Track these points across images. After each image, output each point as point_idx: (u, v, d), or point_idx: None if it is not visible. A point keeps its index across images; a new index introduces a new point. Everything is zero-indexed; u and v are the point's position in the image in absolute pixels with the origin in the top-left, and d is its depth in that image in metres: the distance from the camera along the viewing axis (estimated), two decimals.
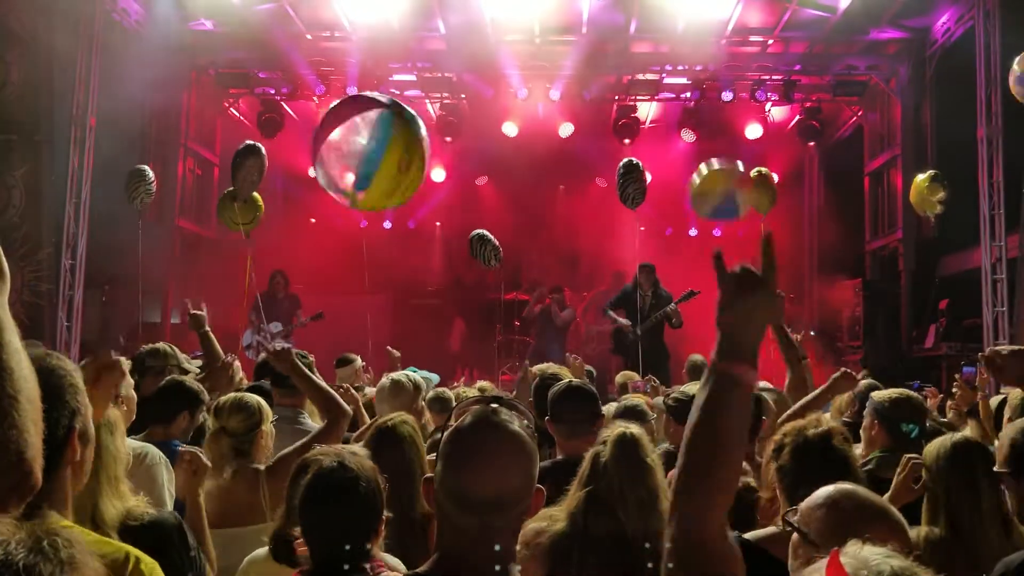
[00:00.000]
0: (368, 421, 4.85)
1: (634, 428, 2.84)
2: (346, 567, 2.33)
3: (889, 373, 11.73)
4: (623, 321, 10.93)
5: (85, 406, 1.94)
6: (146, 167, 10.71)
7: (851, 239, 14.78)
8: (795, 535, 2.04)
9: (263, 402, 3.85)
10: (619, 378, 8.06)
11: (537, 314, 13.12)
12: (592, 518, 2.65)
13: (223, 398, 3.87)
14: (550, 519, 2.70)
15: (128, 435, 4.16)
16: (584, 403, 3.95)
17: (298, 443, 3.69)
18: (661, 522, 2.67)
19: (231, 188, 10.24)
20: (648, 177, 10.64)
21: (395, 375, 5.15)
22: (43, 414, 1.74)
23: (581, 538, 2.63)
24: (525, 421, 1.87)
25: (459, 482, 1.76)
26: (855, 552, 1.42)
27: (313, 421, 4.90)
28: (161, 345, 5.70)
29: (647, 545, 2.55)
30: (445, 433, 1.86)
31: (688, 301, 10.56)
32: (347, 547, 2.38)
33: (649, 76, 13.93)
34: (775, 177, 11.66)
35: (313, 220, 16.00)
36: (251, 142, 10.17)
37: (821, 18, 12.32)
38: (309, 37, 13.05)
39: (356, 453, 2.63)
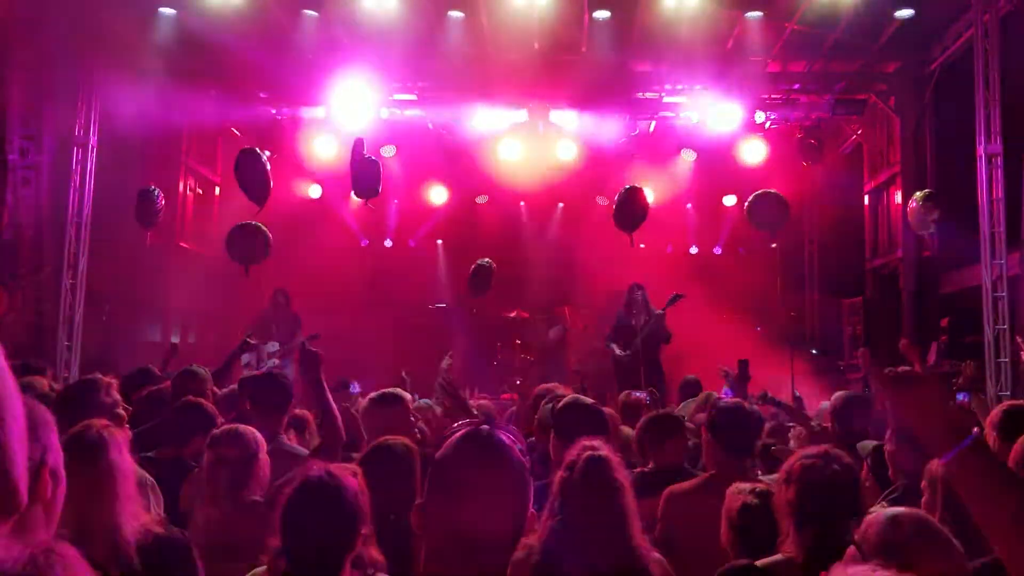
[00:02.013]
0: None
1: (603, 449, 2.81)
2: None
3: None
4: (620, 353, 10.95)
5: (55, 444, 1.91)
6: (155, 188, 10.73)
7: (851, 257, 14.78)
8: (852, 546, 2.06)
9: (256, 432, 3.76)
10: (622, 396, 8.04)
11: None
12: (563, 547, 2.61)
13: (218, 429, 3.80)
14: (528, 549, 2.66)
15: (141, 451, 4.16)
16: (589, 419, 3.86)
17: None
18: (629, 547, 2.64)
19: (244, 223, 10.23)
20: (649, 198, 10.63)
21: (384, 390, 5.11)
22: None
23: (555, 569, 2.59)
24: (518, 445, 1.82)
25: (450, 513, 1.71)
26: (840, 572, 1.44)
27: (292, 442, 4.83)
28: (197, 368, 5.74)
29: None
30: (436, 457, 1.80)
31: (674, 304, 10.61)
32: (326, 550, 2.37)
33: (649, 95, 13.98)
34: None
35: (312, 237, 16.01)
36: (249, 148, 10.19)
37: (820, 37, 12.37)
38: (310, 56, 13.10)
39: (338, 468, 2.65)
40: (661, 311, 10.65)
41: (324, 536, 2.43)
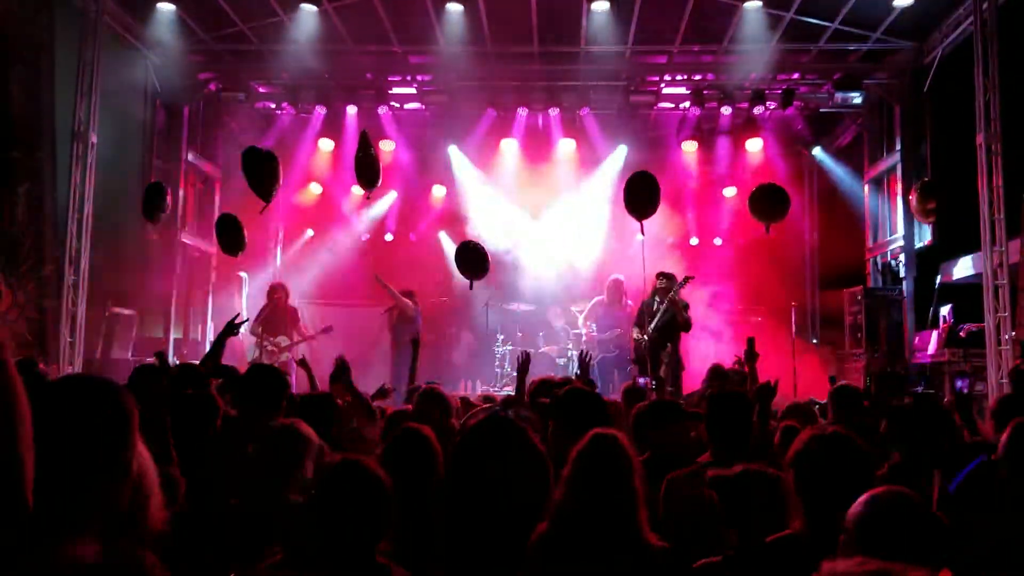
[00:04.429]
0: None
1: (612, 430, 2.82)
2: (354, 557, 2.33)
3: (891, 380, 11.72)
4: (638, 337, 10.98)
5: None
6: (162, 183, 10.73)
7: (852, 246, 14.79)
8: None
9: (312, 433, 3.62)
10: (626, 383, 8.07)
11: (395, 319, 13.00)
12: (571, 522, 2.62)
13: (278, 423, 3.68)
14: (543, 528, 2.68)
15: None
16: (591, 408, 3.88)
17: None
18: (636, 531, 2.65)
19: (226, 213, 10.26)
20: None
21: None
22: (110, 446, 1.76)
23: (562, 542, 2.60)
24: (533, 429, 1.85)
25: (468, 493, 1.75)
26: (830, 568, 1.47)
27: None
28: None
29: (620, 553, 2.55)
30: (456, 440, 1.85)
31: (684, 286, 10.69)
32: (356, 539, 2.37)
33: (648, 86, 13.99)
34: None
35: (311, 232, 16.03)
36: (262, 148, 10.20)
37: (820, 26, 12.38)
38: (309, 51, 13.09)
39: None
40: (672, 295, 10.67)
41: (360, 520, 2.41)
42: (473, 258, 10.56)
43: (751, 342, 6.37)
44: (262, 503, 3.38)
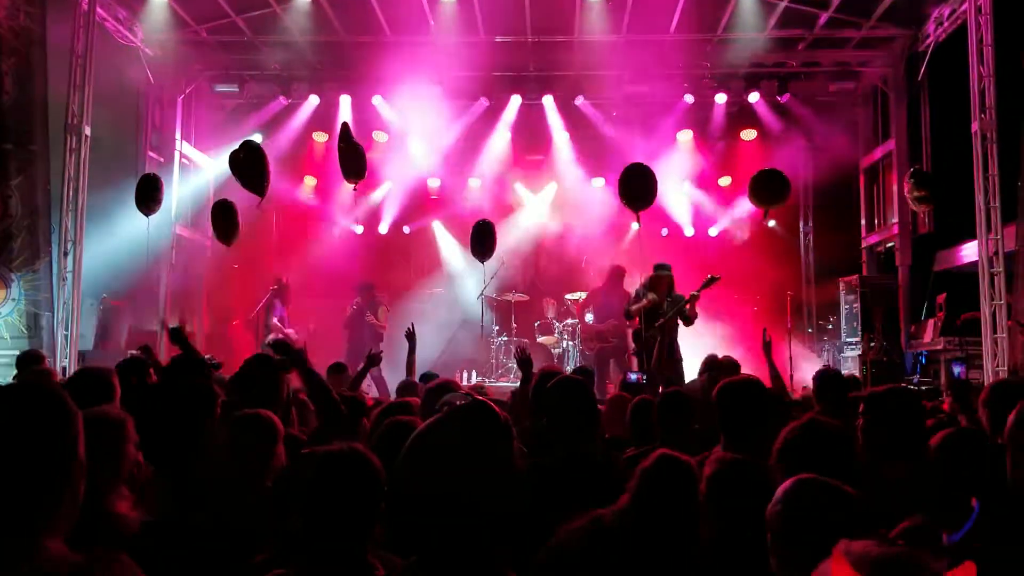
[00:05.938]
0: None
1: (679, 454, 2.79)
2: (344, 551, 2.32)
3: (888, 369, 11.75)
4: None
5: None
6: (156, 175, 10.72)
7: (847, 235, 14.80)
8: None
9: (276, 418, 3.61)
10: (621, 376, 8.10)
11: (350, 316, 13.04)
12: (623, 542, 2.61)
13: (241, 413, 3.66)
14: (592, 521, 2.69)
15: None
16: (580, 399, 3.83)
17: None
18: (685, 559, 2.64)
19: (222, 199, 10.21)
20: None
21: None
22: (54, 444, 1.76)
23: (609, 560, 2.60)
24: (501, 419, 1.86)
25: (427, 476, 1.76)
26: (845, 548, 1.48)
27: None
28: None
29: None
30: (420, 425, 1.87)
31: (709, 287, 10.07)
32: (351, 524, 2.34)
33: (642, 75, 13.95)
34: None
35: (305, 224, 16.00)
36: (251, 141, 10.12)
37: (814, 14, 12.35)
38: (302, 42, 13.04)
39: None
40: (696, 293, 10.07)
41: (349, 510, 2.38)
42: (486, 236, 10.45)
43: (767, 338, 6.35)
44: (238, 493, 3.37)
